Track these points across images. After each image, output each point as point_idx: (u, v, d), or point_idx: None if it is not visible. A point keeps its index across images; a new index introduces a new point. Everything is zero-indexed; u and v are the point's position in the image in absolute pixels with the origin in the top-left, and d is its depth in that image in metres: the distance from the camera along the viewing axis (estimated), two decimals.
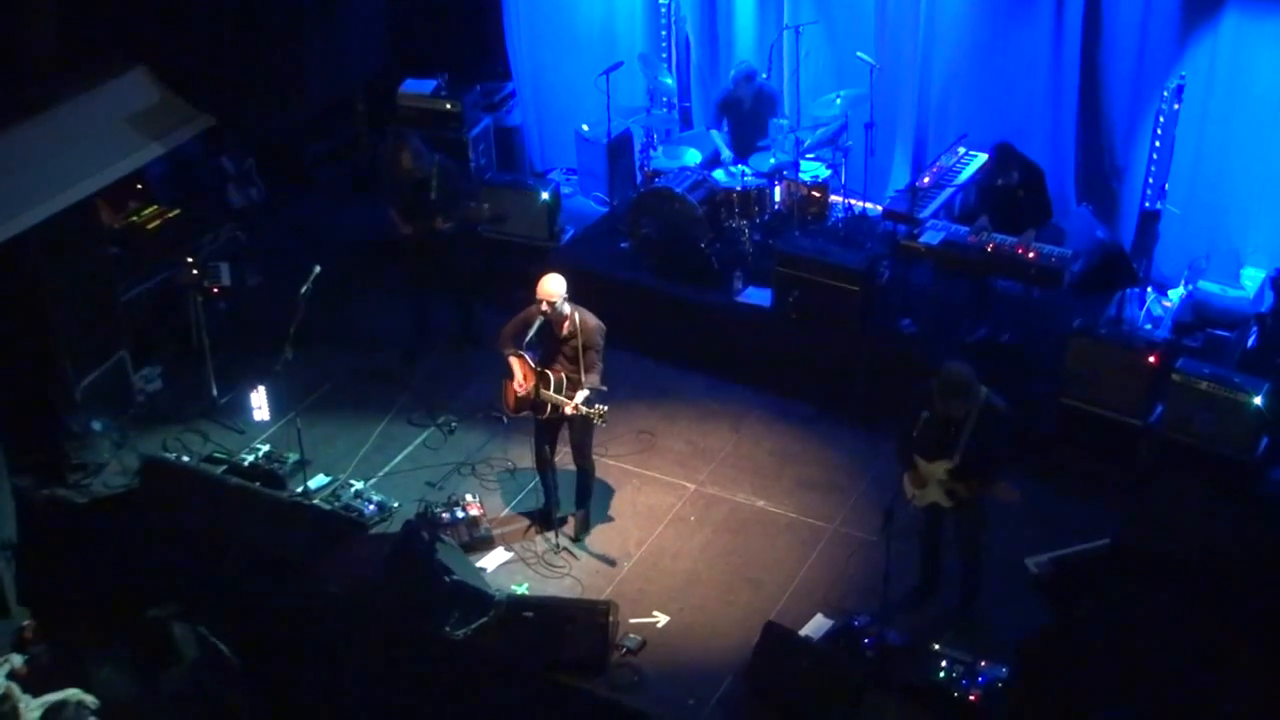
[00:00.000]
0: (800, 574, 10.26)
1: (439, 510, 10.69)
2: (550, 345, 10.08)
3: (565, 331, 9.99)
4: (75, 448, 11.28)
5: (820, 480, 11.15)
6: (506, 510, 10.97)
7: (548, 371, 10.04)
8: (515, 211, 13.29)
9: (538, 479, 10.71)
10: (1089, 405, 10.79)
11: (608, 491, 11.02)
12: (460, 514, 10.66)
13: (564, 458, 10.63)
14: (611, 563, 10.41)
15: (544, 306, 9.89)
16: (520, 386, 10.10)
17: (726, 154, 13.08)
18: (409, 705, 9.79)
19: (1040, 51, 12.28)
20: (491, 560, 10.46)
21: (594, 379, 9.99)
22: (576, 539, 10.59)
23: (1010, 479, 9.34)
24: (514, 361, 10.12)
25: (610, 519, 10.81)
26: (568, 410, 9.93)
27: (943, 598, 9.86)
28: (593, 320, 10.04)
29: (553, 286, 9.91)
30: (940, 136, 12.98)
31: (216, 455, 11.43)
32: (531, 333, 9.91)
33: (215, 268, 12.62)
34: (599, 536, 10.65)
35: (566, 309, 9.96)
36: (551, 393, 9.99)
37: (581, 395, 9.92)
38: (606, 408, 9.87)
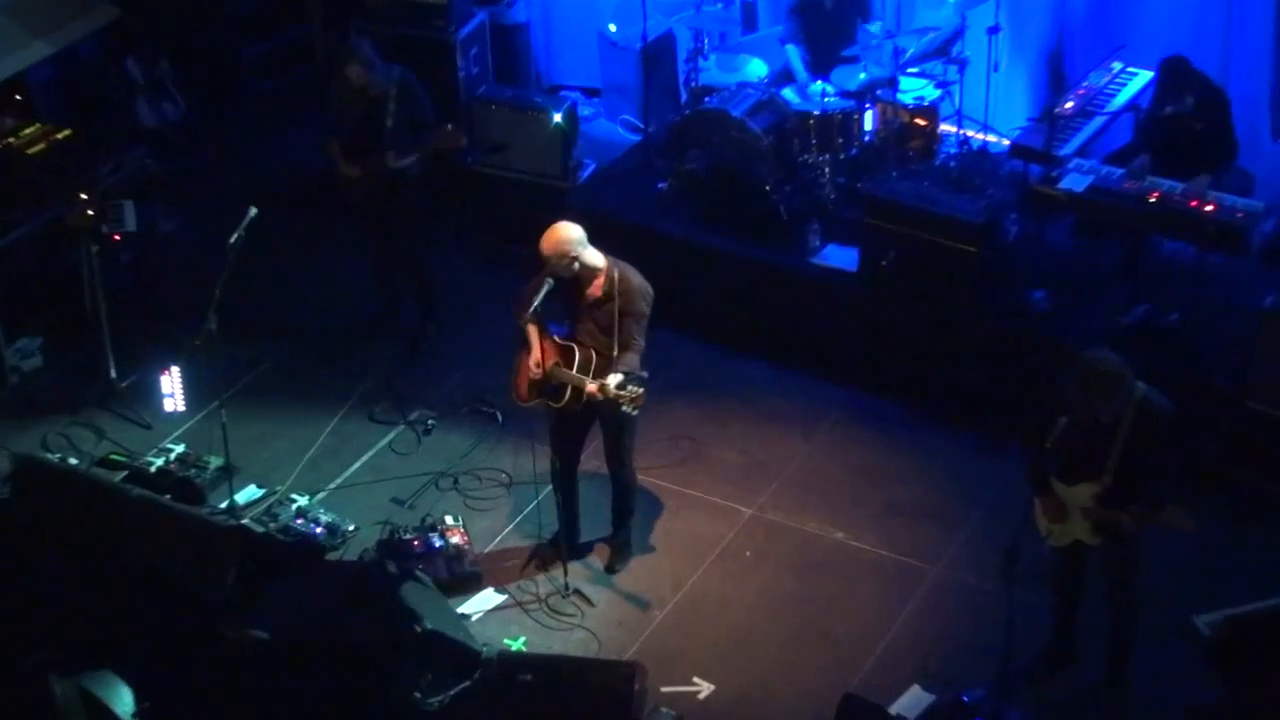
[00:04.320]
0: (891, 631, 10.24)
1: (409, 536, 10.69)
2: (577, 313, 10.02)
3: (599, 293, 9.93)
4: None
5: (920, 506, 11.15)
6: (499, 537, 10.98)
7: (573, 345, 9.98)
8: (518, 139, 13.31)
9: (545, 495, 10.74)
10: None
11: (637, 516, 10.96)
12: (438, 542, 10.66)
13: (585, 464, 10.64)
14: (651, 604, 10.45)
15: (548, 267, 9.84)
16: (535, 365, 10.02)
17: (802, 75, 13.06)
18: None
19: None
20: (478, 604, 10.48)
21: (631, 359, 9.88)
22: (610, 569, 10.67)
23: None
24: (532, 331, 10.02)
25: (639, 552, 10.82)
26: (588, 389, 9.85)
27: (1083, 665, 9.81)
28: (636, 279, 9.97)
29: (556, 242, 9.81)
30: (1089, 47, 12.95)
31: (114, 457, 11.47)
32: (538, 301, 9.83)
33: (117, 207, 12.60)
34: (623, 576, 10.67)
35: (598, 261, 9.89)
36: (571, 371, 9.93)
37: (614, 379, 9.82)
38: (641, 390, 9.80)
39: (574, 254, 9.83)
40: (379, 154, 11.83)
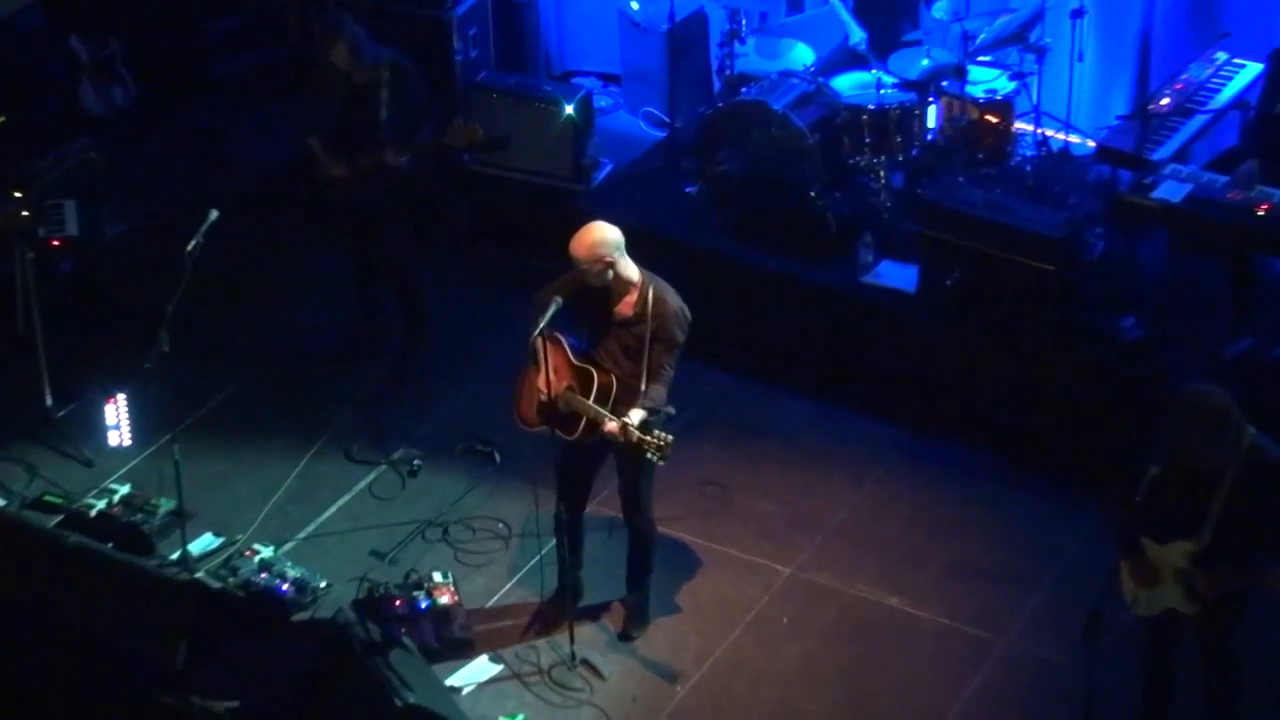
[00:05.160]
0: (953, 711, 10.21)
1: (391, 595, 10.69)
2: (601, 330, 9.99)
3: (630, 312, 9.90)
4: None
5: (987, 567, 11.13)
6: (495, 597, 10.97)
7: (591, 369, 9.94)
8: (524, 133, 13.30)
9: (549, 549, 10.75)
10: None
11: (656, 575, 10.94)
12: (424, 602, 10.66)
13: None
14: (672, 678, 10.39)
15: (576, 274, 9.83)
16: (545, 386, 9.92)
17: (857, 34, 13.11)
18: None
19: None
20: (470, 675, 10.46)
21: (659, 393, 9.85)
22: (625, 635, 10.63)
23: None
24: (543, 346, 9.92)
25: (658, 616, 10.79)
26: (607, 427, 9.80)
27: None
28: (674, 301, 9.94)
29: (591, 244, 9.77)
30: (1189, 34, 12.98)
31: (48, 498, 11.47)
32: (544, 321, 9.75)
33: (57, 207, 12.70)
34: (639, 644, 10.63)
35: (633, 274, 9.88)
36: (587, 399, 9.88)
37: (637, 415, 9.78)
38: (671, 437, 9.75)
39: (609, 259, 9.77)
40: (374, 151, 11.81)
